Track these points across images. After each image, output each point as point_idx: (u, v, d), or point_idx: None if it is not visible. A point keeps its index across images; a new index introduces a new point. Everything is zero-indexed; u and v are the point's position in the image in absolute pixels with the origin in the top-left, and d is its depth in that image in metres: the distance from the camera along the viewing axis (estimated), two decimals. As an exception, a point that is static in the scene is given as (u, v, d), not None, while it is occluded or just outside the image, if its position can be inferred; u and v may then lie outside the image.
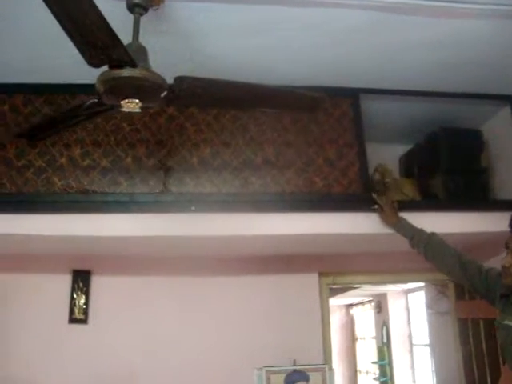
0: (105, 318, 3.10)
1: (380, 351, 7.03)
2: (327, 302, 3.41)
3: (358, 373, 8.63)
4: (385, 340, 6.93)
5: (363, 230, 2.58)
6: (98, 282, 3.14)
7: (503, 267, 1.84)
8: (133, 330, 3.09)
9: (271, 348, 3.11)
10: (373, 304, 7.66)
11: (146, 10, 1.83)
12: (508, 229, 1.89)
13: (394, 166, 3.38)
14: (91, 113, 1.88)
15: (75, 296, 3.08)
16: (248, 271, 3.25)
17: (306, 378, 2.96)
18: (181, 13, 2.04)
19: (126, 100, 1.69)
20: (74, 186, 2.50)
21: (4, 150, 2.51)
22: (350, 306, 9.02)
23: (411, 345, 6.67)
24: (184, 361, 3.07)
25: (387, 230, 2.52)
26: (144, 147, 2.60)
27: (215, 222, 2.46)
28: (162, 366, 3.06)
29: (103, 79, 1.62)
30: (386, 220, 2.51)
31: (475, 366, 3.25)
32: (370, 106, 2.87)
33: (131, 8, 1.81)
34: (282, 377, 2.96)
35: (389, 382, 6.75)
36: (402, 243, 2.42)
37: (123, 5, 1.82)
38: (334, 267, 3.37)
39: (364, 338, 8.54)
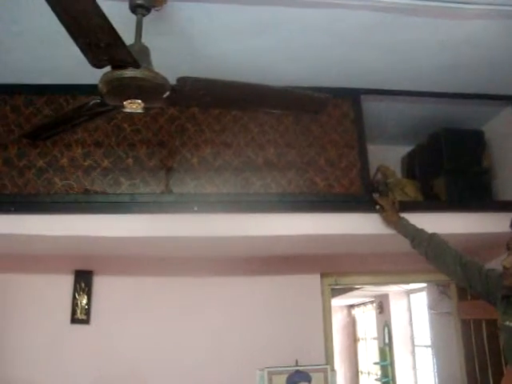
0: (107, 318, 3.10)
1: (382, 352, 7.02)
2: (329, 302, 3.41)
3: (359, 373, 8.62)
4: (386, 341, 6.92)
5: (364, 231, 2.58)
6: (100, 283, 3.15)
7: (504, 268, 1.83)
8: (135, 330, 3.09)
9: (273, 348, 3.11)
10: (374, 305, 7.65)
11: (148, 10, 1.84)
12: (509, 229, 1.88)
13: (396, 167, 3.39)
14: (93, 113, 1.88)
15: (77, 296, 3.09)
16: (250, 272, 3.25)
17: (308, 379, 2.96)
18: (183, 13, 2.04)
19: (129, 101, 1.69)
20: (75, 186, 2.50)
21: (5, 150, 2.52)
22: (352, 306, 9.02)
23: (413, 345, 6.65)
24: (186, 361, 3.07)
25: (389, 231, 2.52)
26: (145, 148, 2.60)
27: (216, 223, 2.46)
28: (164, 365, 3.06)
29: (106, 80, 1.62)
30: (387, 220, 2.51)
31: (477, 367, 3.24)
32: (372, 106, 2.87)
33: (134, 9, 1.81)
34: (283, 377, 2.95)
35: (391, 382, 6.73)
36: (404, 244, 2.42)
37: (126, 5, 1.83)
38: (336, 268, 3.38)
39: (365, 339, 8.53)
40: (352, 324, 9.12)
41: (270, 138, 2.71)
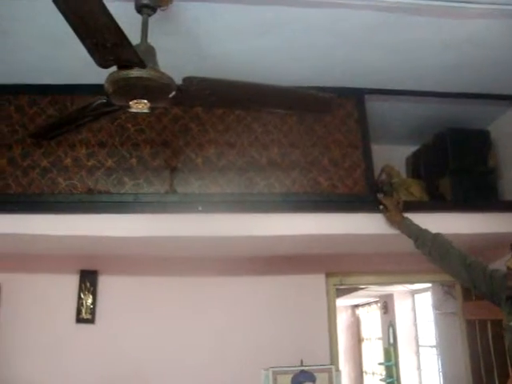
0: (112, 317, 3.11)
1: (386, 352, 7.00)
2: (334, 302, 3.41)
3: (364, 374, 8.60)
4: (391, 341, 6.89)
5: (368, 231, 2.58)
6: (105, 282, 3.16)
7: (508, 269, 1.82)
8: (140, 329, 3.10)
9: (277, 348, 3.11)
10: (379, 305, 7.63)
11: (154, 10, 1.84)
12: (514, 230, 1.88)
13: (401, 167, 3.37)
14: (99, 113, 1.88)
15: (82, 296, 3.10)
16: (255, 271, 3.25)
17: (313, 379, 2.95)
18: (189, 13, 2.05)
19: (135, 100, 1.69)
20: (79, 186, 2.50)
21: (9, 150, 2.53)
22: (356, 306, 9.00)
23: (418, 346, 6.63)
24: (191, 361, 3.08)
25: (393, 231, 2.52)
26: (149, 147, 2.60)
27: (220, 223, 2.47)
28: (169, 365, 3.06)
29: (112, 80, 1.62)
30: (390, 220, 2.51)
31: (483, 368, 3.23)
32: (376, 106, 2.87)
33: (139, 9, 1.81)
34: (288, 377, 2.95)
35: (395, 383, 6.71)
36: (408, 244, 2.41)
37: (131, 6, 1.83)
38: (341, 268, 3.37)
39: (370, 339, 8.51)
40: (356, 324, 9.10)
41: (274, 137, 2.71)
